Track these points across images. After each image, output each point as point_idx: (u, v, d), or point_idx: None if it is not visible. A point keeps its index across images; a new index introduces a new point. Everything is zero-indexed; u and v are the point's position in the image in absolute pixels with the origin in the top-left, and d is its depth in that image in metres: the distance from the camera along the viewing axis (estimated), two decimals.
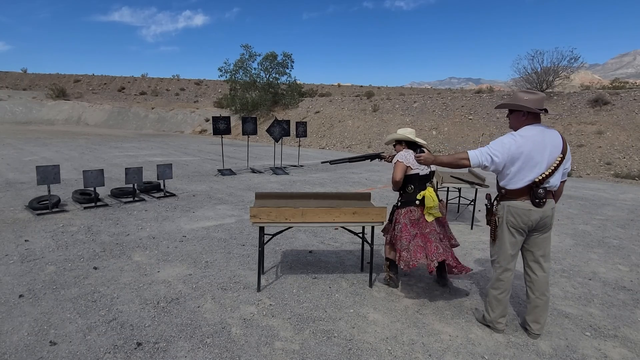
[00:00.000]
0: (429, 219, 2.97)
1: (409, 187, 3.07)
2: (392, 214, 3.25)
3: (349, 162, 3.56)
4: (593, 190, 8.59)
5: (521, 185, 2.40)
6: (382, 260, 3.85)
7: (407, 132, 3.15)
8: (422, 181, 3.07)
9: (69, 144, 15.59)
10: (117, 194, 6.11)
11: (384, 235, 3.37)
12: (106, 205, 5.68)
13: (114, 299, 2.94)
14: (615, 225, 5.56)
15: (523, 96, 2.42)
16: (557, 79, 15.71)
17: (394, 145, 3.28)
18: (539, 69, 15.92)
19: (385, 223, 3.28)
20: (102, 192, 6.37)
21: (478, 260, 4.03)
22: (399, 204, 3.15)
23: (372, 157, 3.50)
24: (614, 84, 20.20)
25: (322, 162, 4.02)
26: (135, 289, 3.11)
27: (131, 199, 6.02)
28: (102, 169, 5.73)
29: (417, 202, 3.03)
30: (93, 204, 5.58)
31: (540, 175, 2.35)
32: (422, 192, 3.01)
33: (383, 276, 3.39)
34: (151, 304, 2.88)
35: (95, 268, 3.49)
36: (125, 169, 6.00)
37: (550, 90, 15.95)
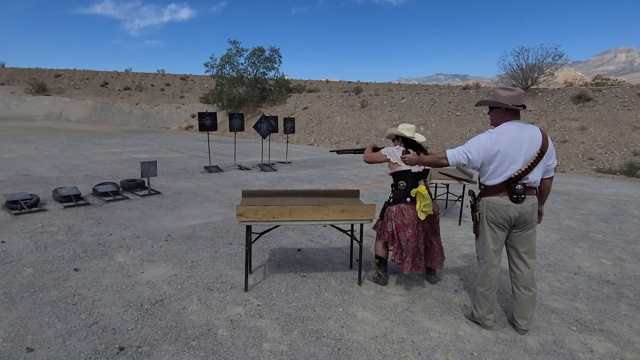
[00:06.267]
0: (422, 216, 2.96)
1: (400, 183, 3.06)
2: (383, 209, 3.23)
3: (354, 153, 3.71)
4: (576, 185, 8.75)
5: (499, 181, 2.42)
6: (371, 258, 3.83)
7: (405, 129, 3.17)
8: (415, 178, 3.06)
9: (49, 140, 15.15)
10: (100, 192, 5.94)
11: (374, 230, 3.34)
12: (88, 204, 5.52)
13: (95, 302, 2.84)
14: (599, 220, 5.66)
15: (501, 93, 2.44)
16: (542, 75, 15.93)
17: (393, 140, 3.30)
18: (524, 66, 16.12)
19: (376, 219, 3.30)
20: (84, 190, 6.19)
21: (466, 256, 4.05)
22: (391, 200, 3.13)
23: (374, 149, 3.56)
24: (596, 81, 20.62)
25: (330, 151, 4.15)
26: (118, 291, 3.02)
27: (112, 198, 5.84)
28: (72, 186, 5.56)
29: (409, 199, 3.02)
30: (73, 203, 5.40)
31: (517, 171, 2.36)
32: (414, 190, 3.00)
33: (372, 274, 3.37)
34: (134, 307, 2.79)
35: (75, 270, 3.37)
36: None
37: (535, 86, 16.18)
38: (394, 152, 3.08)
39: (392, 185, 3.17)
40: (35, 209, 5.12)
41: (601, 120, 13.11)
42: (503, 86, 2.66)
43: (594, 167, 11.34)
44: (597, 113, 13.46)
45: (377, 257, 3.26)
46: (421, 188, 2.97)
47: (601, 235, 4.93)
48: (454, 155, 2.48)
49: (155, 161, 6.45)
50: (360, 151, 3.52)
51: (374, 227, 3.36)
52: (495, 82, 20.97)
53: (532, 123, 2.49)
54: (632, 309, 3.00)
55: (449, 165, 2.55)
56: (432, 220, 3.13)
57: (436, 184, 5.69)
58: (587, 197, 7.34)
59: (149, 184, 6.43)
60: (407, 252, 3.00)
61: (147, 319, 2.64)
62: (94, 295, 2.95)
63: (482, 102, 2.64)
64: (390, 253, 3.12)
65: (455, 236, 4.68)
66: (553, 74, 15.96)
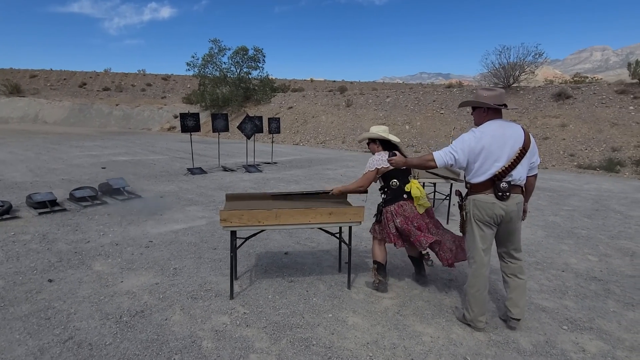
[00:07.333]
0: (420, 210, 2.93)
1: (393, 182, 2.99)
2: (379, 213, 3.11)
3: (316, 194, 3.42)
4: (559, 182, 8.90)
5: (484, 179, 2.45)
6: (360, 260, 3.77)
7: (380, 130, 3.09)
8: (405, 174, 3.03)
9: (24, 143, 14.60)
10: (77, 197, 5.69)
11: (371, 233, 3.21)
12: (64, 209, 5.28)
13: (71, 315, 2.68)
14: (582, 216, 5.74)
15: (483, 93, 2.51)
16: (523, 73, 16.21)
17: (368, 144, 3.20)
18: (506, 64, 16.37)
19: (372, 224, 3.22)
20: (60, 195, 5.93)
21: None
22: (385, 202, 3.05)
23: (319, 192, 3.38)
24: (575, 79, 21.15)
25: (272, 195, 3.40)
26: (95, 303, 2.86)
27: (90, 203, 5.61)
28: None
29: (405, 195, 2.96)
30: (49, 209, 5.16)
31: (501, 168, 2.40)
32: (408, 185, 2.96)
33: (371, 281, 3.23)
34: (113, 319, 2.64)
35: (50, 281, 3.19)
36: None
37: (517, 84, 16.45)
38: (380, 159, 3.02)
39: (382, 188, 3.10)
40: (7, 216, 4.85)
41: (581, 117, 13.41)
42: (484, 87, 2.70)
43: (575, 163, 11.59)
44: (577, 110, 13.77)
45: (375, 262, 3.14)
46: (413, 183, 2.95)
47: (586, 231, 4.98)
48: (441, 156, 2.51)
49: (122, 178, 6.19)
50: (326, 193, 3.32)
51: (371, 231, 3.26)
52: (477, 81, 21.27)
53: (514, 121, 2.54)
54: (620, 306, 3.01)
55: (436, 167, 2.56)
56: (431, 214, 3.07)
57: (423, 183, 5.68)
58: (569, 193, 7.46)
59: (124, 189, 6.20)
60: (426, 238, 2.91)
61: (127, 332, 2.50)
62: (69, 307, 2.78)
63: (465, 103, 2.68)
64: (418, 244, 2.94)
65: None
66: (534, 72, 16.27)
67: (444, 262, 2.95)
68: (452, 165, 2.51)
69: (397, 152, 3.01)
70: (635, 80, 14.13)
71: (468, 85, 22.79)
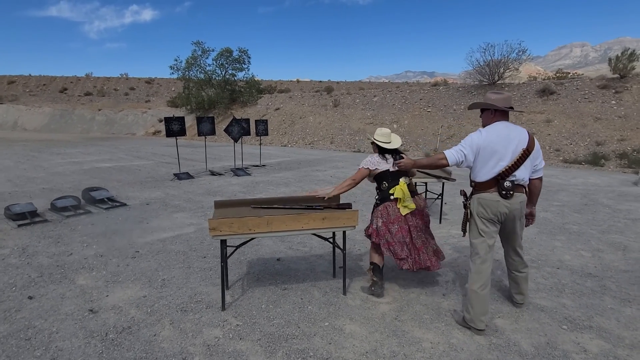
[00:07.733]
0: (404, 212, 2.92)
1: (383, 184, 3.02)
2: (372, 213, 3.15)
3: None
4: (547, 177, 8.98)
5: (488, 178, 2.52)
6: (355, 264, 3.69)
7: (379, 134, 3.10)
8: (395, 176, 3.00)
9: (2, 152, 14.12)
10: (59, 207, 5.48)
11: (366, 235, 3.19)
12: (45, 220, 5.06)
13: (53, 334, 2.53)
14: (572, 211, 5.78)
15: (491, 96, 2.61)
16: (507, 70, 16.40)
17: (372, 143, 3.23)
18: (490, 62, 16.52)
19: (367, 224, 3.20)
20: (41, 205, 5.70)
21: (449, 255, 3.98)
22: (377, 202, 3.08)
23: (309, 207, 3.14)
24: (558, 75, 21.52)
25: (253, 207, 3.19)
26: (79, 320, 2.71)
27: (72, 213, 5.40)
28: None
29: (392, 197, 2.96)
30: (29, 221, 4.94)
31: (504, 167, 2.47)
32: (394, 187, 2.95)
33: (366, 286, 3.16)
34: (98, 337, 2.50)
35: (30, 297, 3.02)
36: None
37: (502, 81, 16.63)
38: (370, 161, 3.05)
39: (377, 188, 3.11)
40: None
41: (565, 112, 13.62)
42: (493, 90, 2.85)
43: (561, 158, 11.75)
44: (561, 106, 13.98)
45: (372, 263, 3.11)
46: (400, 184, 2.94)
47: (577, 226, 5.00)
48: (452, 154, 2.56)
49: (106, 189, 6.02)
50: (311, 207, 3.12)
51: (365, 231, 3.22)
52: (463, 78, 21.48)
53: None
54: (616, 302, 3.00)
55: (448, 166, 2.63)
56: (422, 215, 3.09)
57: (415, 183, 5.63)
58: (558, 188, 7.52)
59: (108, 199, 6.00)
60: (399, 246, 2.91)
61: (113, 350, 2.36)
62: (51, 326, 2.63)
63: (474, 105, 2.79)
64: (384, 250, 2.99)
65: (437, 235, 4.58)
66: (517, 69, 16.48)
67: (420, 264, 2.97)
68: (462, 162, 2.58)
69: (404, 155, 3.04)
70: (616, 75, 14.43)
71: (453, 83, 22.99)
